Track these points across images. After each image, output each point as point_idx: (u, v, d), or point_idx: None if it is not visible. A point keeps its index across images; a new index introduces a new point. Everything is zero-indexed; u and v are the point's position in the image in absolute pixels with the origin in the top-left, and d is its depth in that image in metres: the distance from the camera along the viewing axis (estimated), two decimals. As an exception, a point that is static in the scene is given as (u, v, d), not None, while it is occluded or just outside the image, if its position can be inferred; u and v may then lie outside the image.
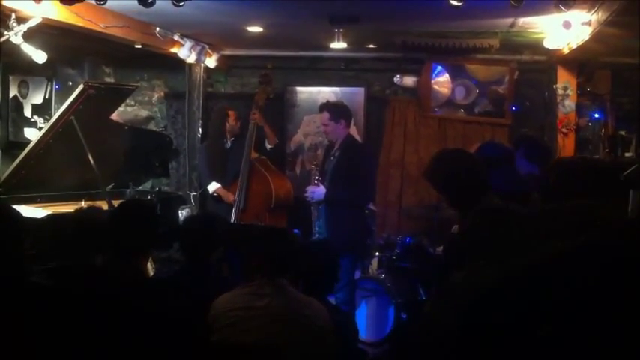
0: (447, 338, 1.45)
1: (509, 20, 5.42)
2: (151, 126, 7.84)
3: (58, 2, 4.28)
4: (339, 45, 5.93)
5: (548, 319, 1.04)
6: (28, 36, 4.61)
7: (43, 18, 4.46)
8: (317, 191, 5.44)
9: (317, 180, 5.50)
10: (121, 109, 6.76)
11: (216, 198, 6.28)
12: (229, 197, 6.15)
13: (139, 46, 5.95)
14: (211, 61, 7.27)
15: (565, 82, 6.77)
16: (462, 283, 1.54)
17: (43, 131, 5.16)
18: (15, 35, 4.51)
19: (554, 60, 6.67)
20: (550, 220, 1.28)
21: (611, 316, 1.02)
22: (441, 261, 4.84)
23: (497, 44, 6.26)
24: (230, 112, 6.48)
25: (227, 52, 7.53)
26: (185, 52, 6.42)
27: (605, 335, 1.02)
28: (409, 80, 7.39)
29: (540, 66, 7.08)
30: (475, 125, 7.24)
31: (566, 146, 6.74)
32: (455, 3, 4.06)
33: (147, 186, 6.92)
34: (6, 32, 4.51)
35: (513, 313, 1.08)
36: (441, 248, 5.63)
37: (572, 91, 6.76)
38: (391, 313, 5.52)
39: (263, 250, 2.97)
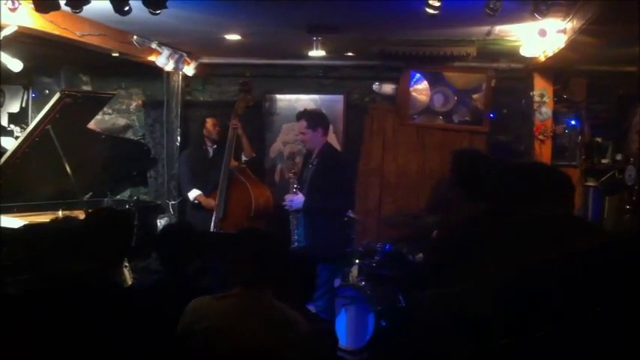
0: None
1: (486, 28, 5.46)
2: (129, 135, 7.79)
3: (34, 11, 4.25)
4: (317, 53, 5.94)
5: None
6: (3, 44, 4.57)
7: (19, 26, 4.42)
8: (295, 199, 5.43)
9: (295, 188, 5.49)
10: (98, 117, 6.72)
11: (197, 205, 6.25)
12: (210, 203, 6.13)
13: (116, 55, 5.92)
14: (190, 69, 7.26)
15: (542, 90, 6.84)
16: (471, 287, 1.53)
17: (19, 140, 5.11)
18: (-10, 44, 4.47)
19: (530, 68, 6.73)
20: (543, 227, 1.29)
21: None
22: (420, 268, 4.85)
23: (475, 52, 6.31)
24: (207, 119, 6.47)
25: (205, 60, 7.51)
26: (163, 60, 6.40)
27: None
28: (388, 88, 7.42)
29: (517, 74, 7.14)
30: (453, 133, 7.27)
31: (543, 153, 6.81)
32: (431, 12, 4.08)
33: (125, 195, 6.88)
34: (-20, 41, 4.47)
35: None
36: (420, 255, 5.64)
37: (548, 99, 6.84)
38: (371, 321, 5.52)
39: (249, 257, 2.91)
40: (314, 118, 5.50)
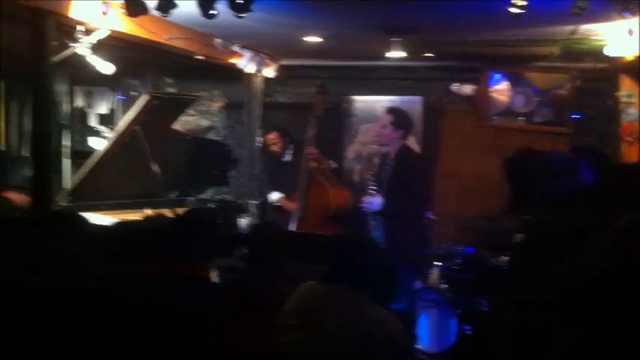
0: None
1: (571, 27, 5.34)
2: (211, 135, 7.96)
3: (124, 15, 4.41)
4: (396, 54, 5.93)
5: None
6: (95, 48, 4.74)
7: (111, 30, 4.58)
8: (373, 201, 5.42)
9: (372, 190, 5.47)
10: (182, 118, 6.89)
11: (278, 207, 6.35)
12: (291, 206, 6.20)
13: (200, 57, 6.06)
14: (269, 71, 7.36)
15: (628, 90, 6.62)
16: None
17: (109, 141, 5.31)
18: (82, 47, 4.64)
19: (616, 68, 6.54)
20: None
21: None
22: (502, 272, 4.77)
23: (558, 52, 6.19)
24: (267, 138, 6.59)
25: (285, 62, 7.60)
26: (244, 62, 6.52)
27: None
28: (467, 89, 7.34)
29: (602, 74, 6.95)
30: (534, 134, 7.13)
31: (630, 155, 6.59)
32: (516, 11, 4.02)
33: (208, 194, 7.03)
34: (72, 44, 4.64)
35: None
36: (502, 259, 5.55)
37: (636, 99, 6.61)
38: (453, 325, 5.47)
39: (358, 262, 2.97)
40: (401, 118, 5.41)
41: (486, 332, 2.53)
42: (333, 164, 6.70)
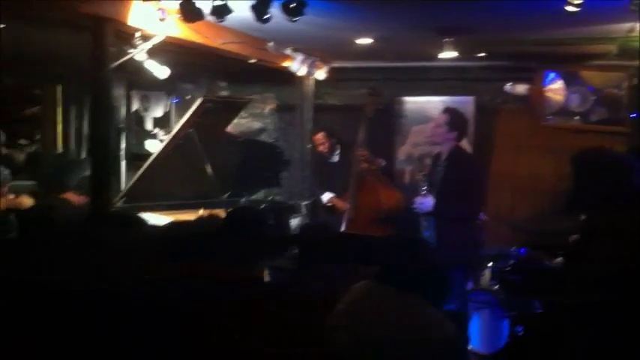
0: None
1: (629, 25, 5.23)
2: (263, 137, 8.05)
3: (180, 21, 4.49)
4: (448, 54, 5.89)
5: None
6: (151, 53, 4.85)
7: (167, 36, 4.68)
8: (425, 202, 5.39)
9: (424, 191, 5.45)
10: (235, 121, 6.99)
11: (329, 208, 6.37)
12: (343, 207, 6.21)
13: (253, 61, 6.13)
14: (321, 74, 7.40)
15: (690, 88, 6.46)
16: None
17: (164, 143, 5.42)
18: (139, 53, 4.75)
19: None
20: None
21: None
22: (556, 273, 4.71)
23: (615, 50, 6.06)
24: (314, 138, 6.59)
25: (336, 65, 7.63)
26: (296, 65, 6.58)
27: None
28: (521, 88, 7.25)
29: (662, 71, 6.78)
30: (591, 134, 7.00)
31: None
32: (572, 9, 3.96)
33: (260, 195, 7.11)
34: (130, 50, 4.76)
35: None
36: (557, 260, 5.46)
37: (695, 97, 6.45)
38: (506, 327, 5.41)
39: (412, 265, 2.96)
40: (457, 120, 5.34)
41: (539, 334, 2.51)
42: (383, 162, 6.67)
